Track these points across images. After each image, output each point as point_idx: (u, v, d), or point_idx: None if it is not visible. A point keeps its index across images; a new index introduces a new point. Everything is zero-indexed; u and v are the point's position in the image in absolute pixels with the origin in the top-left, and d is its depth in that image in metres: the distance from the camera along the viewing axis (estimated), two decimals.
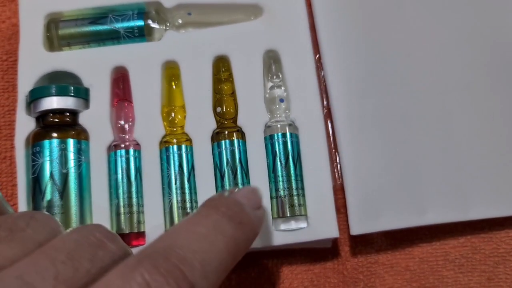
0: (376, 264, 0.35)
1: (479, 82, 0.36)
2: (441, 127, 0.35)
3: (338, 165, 0.34)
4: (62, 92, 0.33)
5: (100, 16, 0.35)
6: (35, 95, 0.33)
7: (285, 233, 0.32)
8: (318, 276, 0.35)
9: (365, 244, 0.35)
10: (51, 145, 0.32)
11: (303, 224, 0.32)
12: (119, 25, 0.35)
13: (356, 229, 0.32)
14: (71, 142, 0.32)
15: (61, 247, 0.18)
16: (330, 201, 0.33)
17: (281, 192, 0.32)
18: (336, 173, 0.34)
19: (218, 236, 0.20)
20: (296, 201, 0.32)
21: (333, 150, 0.34)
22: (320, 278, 0.35)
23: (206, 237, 0.19)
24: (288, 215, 0.32)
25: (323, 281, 0.35)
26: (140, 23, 0.35)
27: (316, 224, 0.32)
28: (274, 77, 0.35)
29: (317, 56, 0.35)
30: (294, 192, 0.32)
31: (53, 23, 0.35)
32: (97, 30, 0.35)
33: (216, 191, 0.33)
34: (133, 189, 0.32)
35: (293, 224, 0.32)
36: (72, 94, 0.33)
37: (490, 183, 0.35)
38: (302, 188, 0.33)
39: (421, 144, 0.35)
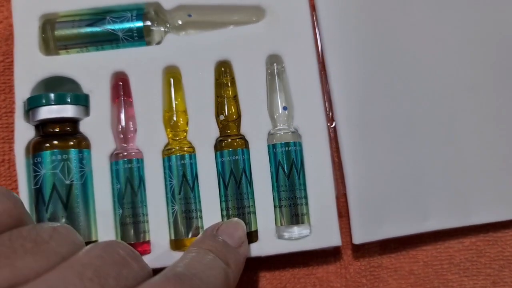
0: (380, 268, 0.36)
1: (481, 88, 0.36)
2: (443, 133, 0.35)
3: (342, 173, 0.34)
4: (61, 100, 0.32)
5: (97, 17, 0.34)
6: (33, 104, 0.32)
7: (288, 241, 0.33)
8: (320, 280, 0.35)
9: (368, 248, 0.36)
10: (53, 155, 0.31)
11: (306, 233, 0.33)
12: (117, 27, 0.34)
13: (358, 238, 0.33)
14: (72, 152, 0.32)
15: (87, 263, 0.18)
16: (333, 210, 0.33)
17: (284, 201, 0.33)
18: (339, 182, 0.34)
19: (216, 269, 0.24)
20: (299, 210, 0.33)
21: (336, 159, 0.34)
22: (323, 282, 0.35)
23: (210, 268, 0.24)
24: (292, 223, 0.33)
25: (326, 285, 0.35)
26: (139, 24, 0.34)
27: (319, 232, 0.33)
28: (277, 84, 0.34)
29: (321, 62, 0.35)
30: (298, 202, 0.33)
31: (48, 24, 0.34)
32: (95, 32, 0.34)
33: (220, 201, 0.33)
34: (137, 198, 0.33)
35: (296, 233, 0.33)
36: (72, 102, 0.32)
37: (492, 187, 0.35)
38: (306, 197, 0.33)
39: (423, 151, 0.35)
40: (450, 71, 0.35)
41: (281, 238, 0.33)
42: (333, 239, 0.33)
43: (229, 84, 0.34)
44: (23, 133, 0.33)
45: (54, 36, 0.34)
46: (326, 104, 0.35)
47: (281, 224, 0.33)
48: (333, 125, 0.35)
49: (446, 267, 0.36)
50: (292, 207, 0.33)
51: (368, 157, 0.34)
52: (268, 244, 0.33)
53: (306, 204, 0.33)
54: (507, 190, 0.35)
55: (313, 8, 0.35)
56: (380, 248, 0.36)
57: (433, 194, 0.34)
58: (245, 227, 0.30)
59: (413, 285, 0.35)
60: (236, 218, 0.31)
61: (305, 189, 0.33)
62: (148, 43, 0.34)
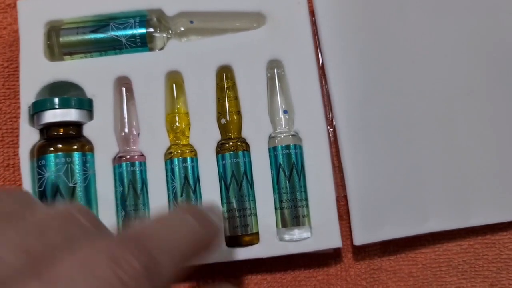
0: (379, 271, 0.36)
1: (480, 90, 0.36)
2: (443, 135, 0.35)
3: (342, 176, 0.34)
4: (65, 104, 0.33)
5: (101, 24, 0.35)
6: (38, 108, 0.33)
7: (289, 243, 0.33)
8: (321, 283, 0.35)
9: (368, 250, 0.36)
10: (57, 159, 0.32)
11: (306, 235, 0.33)
12: (120, 33, 0.35)
13: (359, 239, 0.33)
14: (76, 155, 0.32)
15: (32, 220, 0.18)
16: (333, 212, 0.33)
17: (285, 204, 0.33)
18: (339, 184, 0.34)
19: (183, 227, 0.21)
20: (300, 212, 0.33)
21: (336, 162, 0.35)
22: (324, 285, 0.35)
23: (173, 226, 0.21)
24: (292, 225, 0.33)
25: None
26: (142, 31, 0.35)
27: (320, 234, 0.33)
28: (277, 88, 0.35)
29: (321, 66, 0.35)
30: (298, 204, 0.33)
31: (53, 31, 0.35)
32: (99, 39, 0.35)
33: (222, 203, 0.33)
34: (140, 201, 0.33)
35: (297, 235, 0.33)
36: (76, 106, 0.33)
37: (491, 189, 0.35)
38: (306, 199, 0.33)
39: (423, 153, 0.35)
40: (448, 73, 0.36)
41: (282, 240, 0.33)
42: (334, 240, 0.33)
43: (230, 88, 0.35)
44: (28, 136, 0.33)
45: (59, 42, 0.35)
46: (326, 108, 0.35)
47: (282, 226, 0.33)
48: (333, 128, 0.35)
49: (445, 270, 0.36)
50: (292, 209, 0.33)
51: (368, 159, 0.34)
52: (269, 246, 0.33)
53: (307, 206, 0.33)
54: (506, 192, 0.35)
55: (312, 13, 0.36)
56: (380, 251, 0.36)
57: (432, 196, 0.34)
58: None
59: (412, 287, 0.36)
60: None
61: (305, 192, 0.33)
62: (151, 49, 0.35)
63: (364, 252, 0.36)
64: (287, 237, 0.33)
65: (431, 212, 0.34)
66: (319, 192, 0.34)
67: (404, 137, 0.35)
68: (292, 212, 0.33)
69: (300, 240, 0.33)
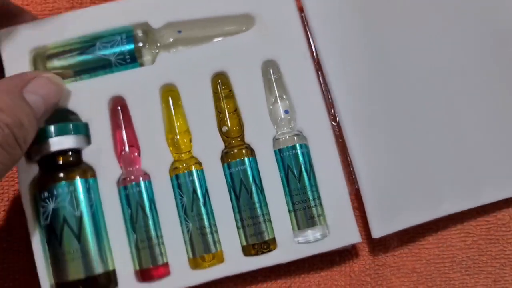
0: (384, 267, 0.36)
1: (478, 69, 0.36)
2: (446, 118, 0.35)
3: (351, 170, 0.34)
4: (61, 131, 0.31)
5: (87, 45, 0.34)
6: (39, 140, 0.32)
7: (307, 245, 0.32)
8: (325, 279, 0.35)
9: (372, 246, 0.36)
10: (59, 189, 0.31)
11: (324, 234, 0.32)
12: (108, 52, 0.34)
13: (378, 231, 0.32)
14: (79, 183, 0.31)
15: None
16: (348, 207, 0.33)
17: (298, 205, 0.32)
18: (351, 178, 0.34)
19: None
20: (314, 212, 0.32)
21: (345, 155, 0.34)
22: (327, 281, 0.35)
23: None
24: (308, 226, 0.32)
25: (330, 284, 0.35)
26: (130, 46, 0.34)
27: (337, 231, 0.33)
28: (276, 88, 0.34)
29: (316, 61, 0.35)
30: (312, 203, 0.32)
31: (39, 57, 0.34)
32: (87, 60, 0.34)
33: (234, 213, 0.32)
34: (150, 221, 0.32)
35: (314, 235, 0.32)
36: (72, 132, 0.32)
37: (500, 164, 0.35)
38: (319, 198, 0.33)
39: (429, 137, 0.35)
40: (448, 53, 0.36)
41: (299, 243, 0.32)
42: (352, 236, 0.33)
43: (227, 95, 0.34)
44: (26, 172, 0.32)
45: (46, 68, 0.34)
46: (327, 102, 0.35)
47: (298, 229, 0.32)
48: (336, 123, 0.34)
49: (449, 266, 0.36)
50: (306, 210, 0.32)
51: (375, 149, 0.34)
52: (287, 250, 0.32)
53: (320, 205, 0.33)
54: None
55: (301, 9, 0.35)
56: (384, 247, 0.36)
57: (444, 178, 0.34)
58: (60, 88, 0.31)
59: (415, 283, 0.35)
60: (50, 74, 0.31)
61: (317, 190, 0.33)
62: (141, 64, 0.34)
63: (368, 248, 0.36)
64: (304, 238, 0.32)
65: (445, 194, 0.34)
66: (331, 189, 0.33)
67: (409, 122, 0.35)
68: (307, 213, 0.32)
69: (317, 240, 0.32)
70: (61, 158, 0.32)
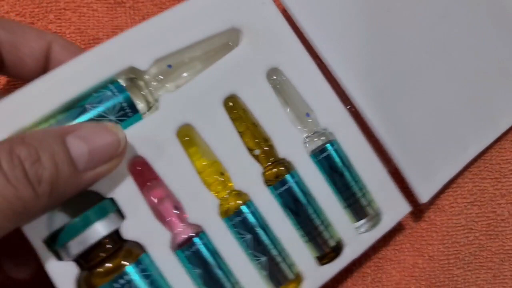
0: (384, 260, 0.37)
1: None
2: (452, 59, 0.37)
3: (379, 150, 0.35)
4: (87, 222, 0.27)
5: (76, 111, 0.29)
6: (60, 241, 0.27)
7: (369, 233, 0.33)
8: None
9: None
10: (113, 284, 0.27)
11: (378, 218, 0.33)
12: (102, 109, 0.29)
13: (424, 195, 0.34)
14: (130, 269, 0.27)
15: None
16: (390, 184, 0.34)
17: (350, 200, 0.33)
18: (382, 159, 0.35)
19: None
20: (364, 201, 0.33)
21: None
22: None
23: None
24: (363, 216, 0.33)
25: None
26: (125, 95, 0.29)
27: (389, 211, 0.34)
28: (288, 94, 0.33)
29: (315, 56, 0.34)
30: (359, 194, 0.33)
31: None
32: None
33: (299, 232, 0.32)
34: (220, 272, 0.30)
35: (370, 223, 0.33)
36: (99, 216, 0.27)
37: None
38: (364, 186, 0.33)
39: (440, 87, 0.36)
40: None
41: (361, 233, 0.33)
42: (403, 208, 0.34)
43: (243, 116, 0.32)
44: (63, 274, 0.27)
45: None
46: (337, 91, 0.34)
47: (356, 220, 0.33)
48: (351, 106, 0.35)
49: (453, 262, 0.37)
50: (357, 201, 0.33)
51: (396, 119, 0.35)
52: (354, 245, 0.33)
53: (367, 191, 0.33)
54: None
55: (283, 10, 0.34)
56: (385, 240, 0.37)
57: (463, 119, 0.36)
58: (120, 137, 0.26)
59: (417, 278, 0.36)
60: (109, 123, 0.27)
61: (360, 180, 0.33)
62: (143, 114, 0.30)
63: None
64: (363, 228, 0.33)
65: (468, 137, 0.36)
66: (371, 174, 0.34)
67: (418, 80, 0.36)
68: (358, 203, 0.33)
69: (375, 226, 0.33)
70: (101, 249, 0.27)
